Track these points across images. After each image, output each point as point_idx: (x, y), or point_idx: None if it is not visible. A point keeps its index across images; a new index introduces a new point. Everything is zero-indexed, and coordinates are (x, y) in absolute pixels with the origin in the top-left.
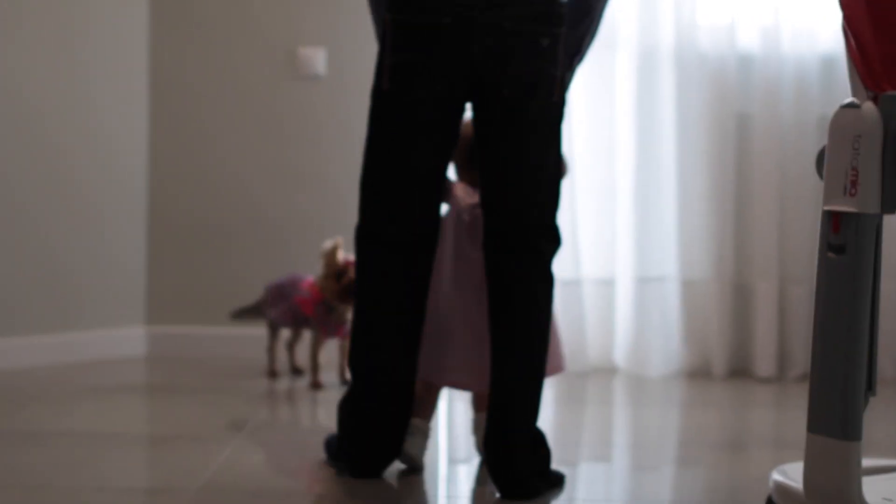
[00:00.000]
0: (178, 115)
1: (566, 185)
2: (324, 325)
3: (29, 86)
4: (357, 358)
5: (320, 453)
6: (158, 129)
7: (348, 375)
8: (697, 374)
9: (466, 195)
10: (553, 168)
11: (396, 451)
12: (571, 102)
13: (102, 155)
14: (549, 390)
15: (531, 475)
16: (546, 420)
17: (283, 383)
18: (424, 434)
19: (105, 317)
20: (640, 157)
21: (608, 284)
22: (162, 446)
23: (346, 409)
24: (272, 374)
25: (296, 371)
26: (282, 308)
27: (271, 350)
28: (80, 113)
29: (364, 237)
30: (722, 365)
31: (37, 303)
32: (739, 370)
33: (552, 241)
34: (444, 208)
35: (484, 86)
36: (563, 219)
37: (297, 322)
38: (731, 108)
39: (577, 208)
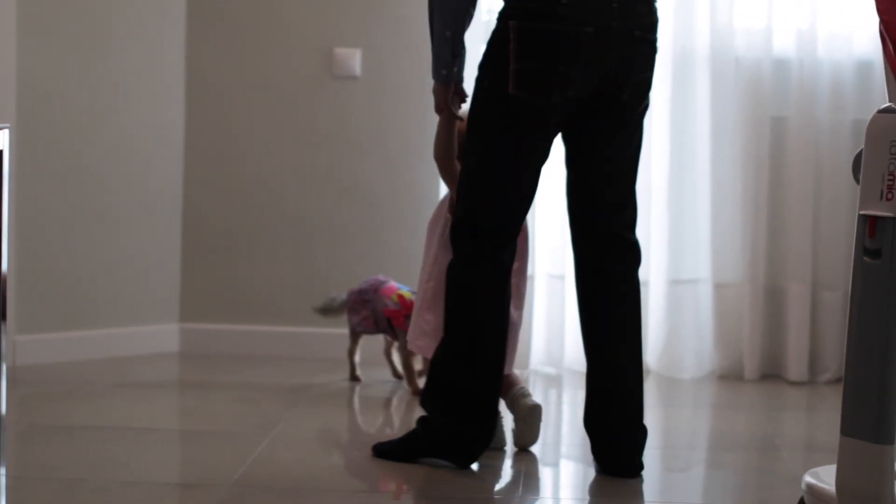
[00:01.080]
0: (214, 117)
1: None
2: None
3: (67, 88)
4: (457, 342)
5: (353, 450)
6: (194, 132)
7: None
8: (729, 376)
9: None
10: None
11: (490, 437)
12: None
13: (139, 157)
14: (581, 391)
15: (640, 454)
16: (578, 420)
17: (317, 380)
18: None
19: (140, 314)
20: (675, 160)
21: (642, 286)
22: (195, 442)
23: (445, 400)
24: (354, 378)
25: (399, 376)
26: (363, 314)
27: (351, 355)
28: (118, 115)
29: (468, 230)
30: (754, 368)
31: (74, 300)
32: (771, 373)
33: (635, 233)
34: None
35: (604, 91)
36: None
37: (380, 329)
38: (766, 112)
39: None
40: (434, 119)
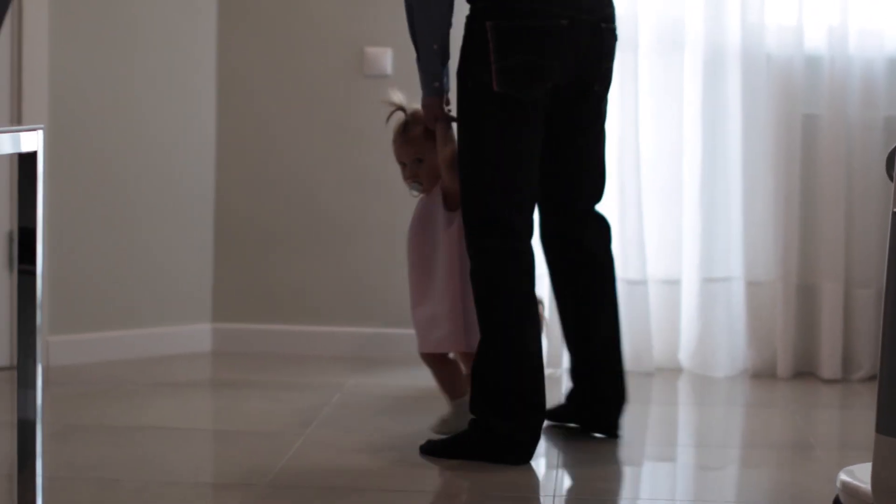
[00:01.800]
0: (245, 116)
1: (633, 186)
2: None
3: (98, 89)
4: (495, 342)
5: (388, 449)
6: (225, 131)
7: None
8: (762, 374)
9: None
10: None
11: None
12: (638, 102)
13: (171, 157)
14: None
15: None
16: None
17: (351, 379)
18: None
19: (173, 314)
20: (707, 158)
21: (674, 284)
22: (229, 442)
23: (494, 402)
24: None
25: None
26: None
27: None
28: (149, 115)
29: (485, 228)
30: (787, 366)
31: (107, 300)
32: (804, 371)
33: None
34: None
35: (578, 82)
36: (630, 219)
37: None
38: (797, 109)
39: (643, 208)
40: None
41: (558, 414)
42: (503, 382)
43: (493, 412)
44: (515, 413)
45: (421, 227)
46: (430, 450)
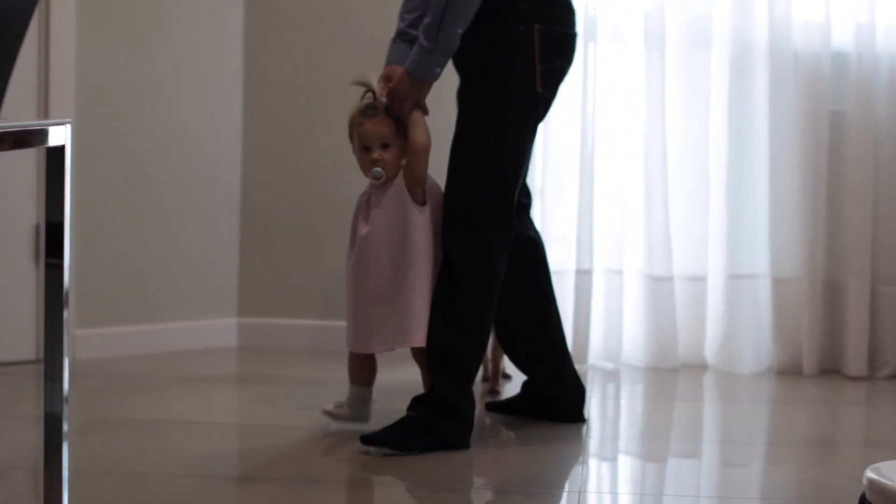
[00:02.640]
0: (271, 112)
1: (659, 182)
2: None
3: (125, 84)
4: (479, 326)
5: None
6: (251, 126)
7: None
8: (788, 371)
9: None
10: None
11: None
12: (665, 99)
13: (197, 152)
14: (639, 385)
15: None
16: (636, 415)
17: (379, 374)
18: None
19: (198, 308)
20: (733, 155)
21: (700, 281)
22: (254, 436)
23: (465, 386)
24: (492, 392)
25: (505, 376)
26: None
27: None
28: (176, 110)
29: (499, 218)
30: (813, 363)
31: (133, 295)
32: (830, 368)
33: None
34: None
35: None
36: (656, 215)
37: None
38: (824, 106)
39: (669, 205)
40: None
41: (513, 406)
42: (471, 369)
43: (459, 396)
44: (472, 400)
45: (387, 217)
46: (378, 441)
